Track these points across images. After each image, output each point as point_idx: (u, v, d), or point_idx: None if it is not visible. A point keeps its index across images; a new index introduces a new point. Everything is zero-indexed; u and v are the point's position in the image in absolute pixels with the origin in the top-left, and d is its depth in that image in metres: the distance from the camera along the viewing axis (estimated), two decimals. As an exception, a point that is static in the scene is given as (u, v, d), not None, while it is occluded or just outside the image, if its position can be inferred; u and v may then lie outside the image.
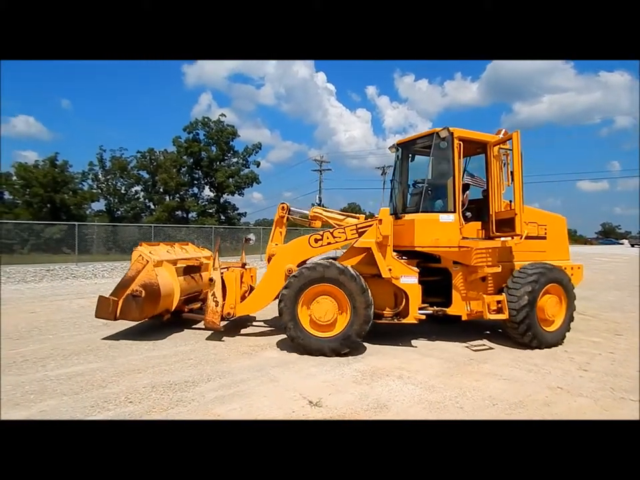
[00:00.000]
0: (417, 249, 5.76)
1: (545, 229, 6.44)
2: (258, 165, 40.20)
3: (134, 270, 5.87)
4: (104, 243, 23.42)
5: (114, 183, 38.90)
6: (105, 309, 5.78)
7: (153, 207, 39.13)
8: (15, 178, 31.87)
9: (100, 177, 38.37)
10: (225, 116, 39.75)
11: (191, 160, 38.37)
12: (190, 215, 38.80)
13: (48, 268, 14.26)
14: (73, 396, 3.74)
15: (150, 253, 6.20)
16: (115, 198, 38.82)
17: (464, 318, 5.86)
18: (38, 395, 3.74)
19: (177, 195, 38.76)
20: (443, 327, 6.74)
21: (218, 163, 38.68)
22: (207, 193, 40.07)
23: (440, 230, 5.63)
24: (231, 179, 38.14)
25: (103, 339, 5.83)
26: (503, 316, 5.62)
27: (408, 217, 5.98)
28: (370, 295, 5.31)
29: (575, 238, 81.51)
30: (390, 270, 5.54)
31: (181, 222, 35.65)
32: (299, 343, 5.29)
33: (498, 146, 5.94)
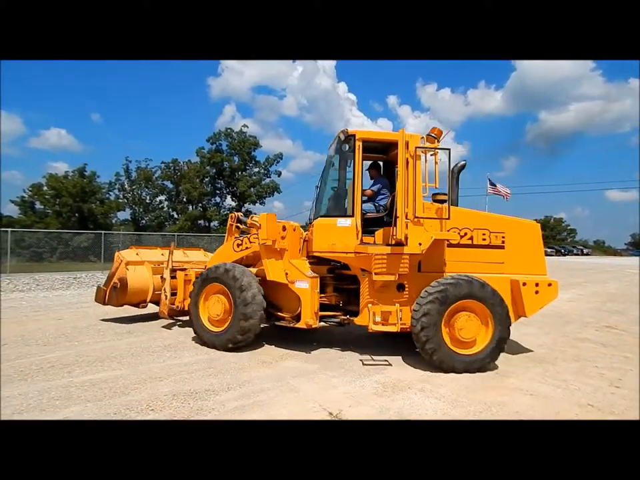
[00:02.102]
0: (315, 253, 5.83)
1: (503, 237, 5.63)
2: (279, 174, 40.51)
3: (114, 267, 7.39)
4: (129, 252, 23.90)
5: (139, 192, 39.86)
6: (99, 296, 7.43)
7: (176, 216, 39.93)
8: (45, 188, 33.00)
9: (126, 187, 39.40)
10: (247, 127, 40.38)
11: (214, 170, 39.05)
12: (212, 224, 39.39)
13: (75, 276, 14.65)
14: (97, 402, 3.80)
15: (137, 254, 7.75)
16: (140, 207, 39.75)
17: (397, 330, 5.42)
18: (63, 401, 3.81)
19: (200, 205, 39.46)
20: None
21: (240, 173, 39.24)
22: (229, 202, 40.63)
23: (337, 235, 5.50)
24: (252, 189, 38.60)
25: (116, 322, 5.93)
26: (392, 328, 5.36)
27: (314, 221, 6.03)
28: (250, 307, 5.54)
29: (604, 249, 78.99)
30: (287, 274, 5.75)
31: (203, 231, 36.21)
32: (195, 331, 6.04)
33: (422, 148, 5.45)
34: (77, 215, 32.26)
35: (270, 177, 39.94)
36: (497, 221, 5.77)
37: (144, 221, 39.53)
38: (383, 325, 5.45)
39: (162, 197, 40.60)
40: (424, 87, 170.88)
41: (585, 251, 64.13)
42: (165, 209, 40.51)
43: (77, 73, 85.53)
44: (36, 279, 13.44)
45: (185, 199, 39.29)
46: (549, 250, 58.07)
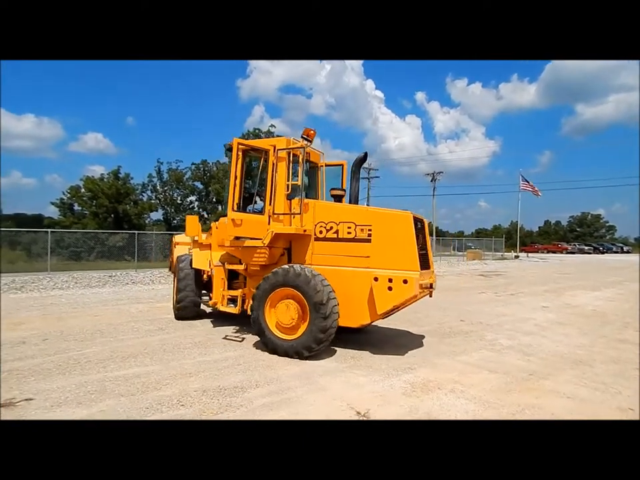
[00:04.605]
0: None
1: (369, 230, 5.42)
2: (306, 173, 40.69)
3: (172, 246, 9.10)
4: (161, 251, 24.50)
5: (171, 193, 40.92)
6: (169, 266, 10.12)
7: (206, 215, 40.73)
8: (83, 190, 34.35)
9: (158, 188, 40.53)
10: (275, 127, 40.74)
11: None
12: (241, 224, 39.95)
13: (110, 274, 15.15)
14: (130, 397, 3.91)
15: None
16: (171, 208, 40.81)
17: (237, 312, 6.33)
18: (98, 395, 3.94)
19: (229, 204, 40.07)
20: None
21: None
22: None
23: (224, 231, 6.08)
24: (280, 188, 38.90)
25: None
26: (234, 310, 6.27)
27: None
28: (182, 282, 7.34)
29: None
30: (209, 263, 7.05)
31: (232, 230, 36.72)
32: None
33: (286, 150, 5.94)
34: (112, 215, 33.44)
35: (297, 177, 40.08)
36: (364, 213, 5.62)
37: (175, 221, 40.52)
38: (228, 306, 6.46)
39: (192, 198, 41.60)
40: (454, 82, 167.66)
41: (625, 248, 61.11)
42: (195, 209, 41.42)
43: (112, 76, 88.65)
44: (74, 277, 13.98)
45: (214, 199, 40.03)
46: (586, 247, 55.82)
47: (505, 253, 41.37)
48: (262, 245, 5.71)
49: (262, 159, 6.12)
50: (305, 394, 4.08)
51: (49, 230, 17.45)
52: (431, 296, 5.81)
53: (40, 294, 11.08)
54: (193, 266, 7.33)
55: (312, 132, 6.01)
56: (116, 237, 23.32)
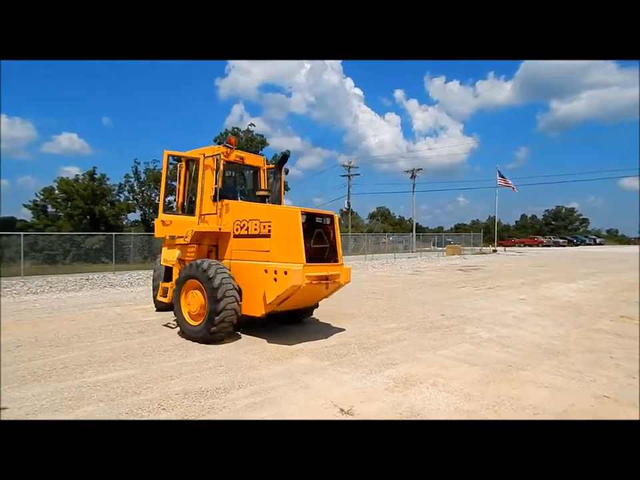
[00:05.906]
0: None
1: (269, 226, 5.90)
2: (287, 172, 40.54)
3: None
4: (140, 252, 24.11)
5: (148, 193, 40.22)
6: None
7: (185, 216, 40.27)
8: (57, 192, 33.47)
9: (135, 188, 39.77)
10: (254, 125, 40.68)
11: (222, 169, 39.20)
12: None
13: (87, 277, 14.77)
14: (109, 402, 3.82)
15: None
16: (149, 208, 40.11)
17: (167, 301, 7.09)
18: (76, 402, 3.84)
19: (209, 204, 39.67)
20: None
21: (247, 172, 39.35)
22: (238, 200, 40.88)
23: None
24: (260, 187, 38.70)
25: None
26: (166, 300, 7.09)
27: None
28: (155, 273, 8.43)
29: (618, 238, 77.61)
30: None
31: (212, 230, 36.36)
32: None
33: (211, 157, 6.66)
34: (88, 217, 32.73)
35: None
36: (266, 210, 6.14)
37: (154, 222, 39.95)
38: (162, 296, 7.23)
39: (171, 198, 40.90)
40: (432, 79, 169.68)
41: (598, 240, 62.99)
42: (174, 209, 40.91)
43: (88, 77, 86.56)
44: (49, 281, 13.58)
45: (193, 199, 39.56)
46: (561, 240, 57.32)
47: (483, 248, 42.12)
48: (186, 243, 6.50)
49: (194, 166, 7.00)
50: (288, 393, 4.07)
51: (22, 233, 16.92)
52: (326, 288, 6.09)
53: (13, 299, 10.73)
54: (161, 263, 7.79)
55: (233, 139, 6.87)
56: (92, 239, 22.78)
